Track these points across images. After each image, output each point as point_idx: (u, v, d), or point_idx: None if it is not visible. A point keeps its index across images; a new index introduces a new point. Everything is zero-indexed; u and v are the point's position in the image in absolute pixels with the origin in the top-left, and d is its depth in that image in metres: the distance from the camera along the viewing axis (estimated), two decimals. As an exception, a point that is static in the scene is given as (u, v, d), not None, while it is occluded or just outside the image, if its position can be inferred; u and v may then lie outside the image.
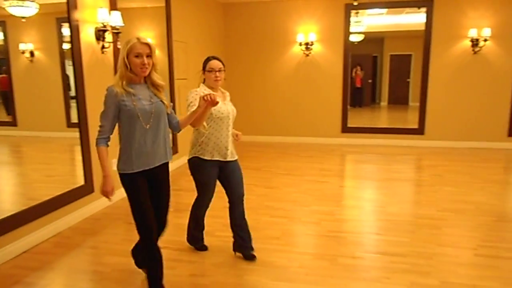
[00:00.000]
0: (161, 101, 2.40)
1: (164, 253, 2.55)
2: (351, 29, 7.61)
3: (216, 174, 3.00)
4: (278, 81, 7.97)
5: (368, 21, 10.23)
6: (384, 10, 9.65)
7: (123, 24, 4.31)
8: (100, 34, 4.15)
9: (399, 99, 13.21)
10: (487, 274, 2.92)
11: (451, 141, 7.38)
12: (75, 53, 3.89)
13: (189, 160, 3.00)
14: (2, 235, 3.14)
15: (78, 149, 4.08)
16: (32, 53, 3.79)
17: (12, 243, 3.23)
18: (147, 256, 2.49)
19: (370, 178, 5.69)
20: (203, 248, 3.30)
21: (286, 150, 7.32)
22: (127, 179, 2.39)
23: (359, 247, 3.41)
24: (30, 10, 3.57)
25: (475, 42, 6.97)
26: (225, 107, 2.92)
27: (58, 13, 3.93)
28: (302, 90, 7.86)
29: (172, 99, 5.91)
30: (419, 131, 7.55)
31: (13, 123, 3.85)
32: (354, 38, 9.09)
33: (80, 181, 4.09)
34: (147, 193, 2.43)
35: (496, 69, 7.03)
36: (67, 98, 4.11)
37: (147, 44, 2.28)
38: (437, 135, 7.46)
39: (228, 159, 2.97)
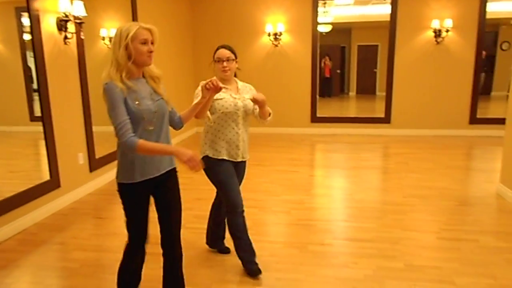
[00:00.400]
0: (162, 98, 2.14)
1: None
2: (319, 20, 7.67)
3: (233, 169, 2.73)
4: (247, 72, 7.85)
5: (336, 12, 10.36)
6: (351, 1, 9.82)
7: (86, 14, 4.19)
8: (62, 24, 4.02)
9: (366, 89, 13.46)
10: (448, 256, 3.05)
11: (416, 129, 7.61)
12: (36, 44, 3.76)
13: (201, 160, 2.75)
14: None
15: (42, 143, 3.96)
16: (-10, 44, 3.65)
17: (-26, 241, 3.13)
18: (123, 264, 2.27)
19: (339, 167, 5.80)
20: (225, 250, 3.12)
21: (255, 140, 7.31)
22: (127, 190, 2.09)
23: (328, 234, 3.49)
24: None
25: (437, 33, 7.18)
26: (233, 101, 2.63)
27: (17, 2, 3.77)
28: (272, 81, 7.88)
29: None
30: (386, 120, 7.74)
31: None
32: (322, 28, 9.20)
33: (46, 176, 3.99)
34: (148, 207, 2.17)
35: (457, 59, 7.27)
36: (29, 91, 3.98)
37: (149, 30, 2.02)
38: (403, 124, 7.67)
39: (239, 159, 2.73)
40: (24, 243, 3.36)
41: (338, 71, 13.84)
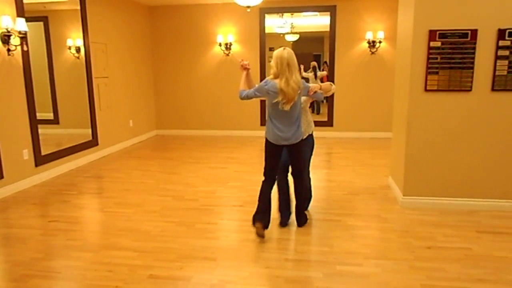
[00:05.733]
0: None
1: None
2: (285, 30, 8.43)
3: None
4: (202, 79, 8.64)
5: (309, 22, 11.02)
6: (316, 13, 10.49)
7: (27, 29, 4.86)
8: (5, 38, 4.68)
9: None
10: (301, 231, 3.67)
11: (356, 132, 8.28)
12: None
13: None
14: None
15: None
16: None
17: None
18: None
19: (267, 164, 6.40)
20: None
21: (208, 142, 8.00)
22: None
23: (218, 215, 4.13)
24: None
25: (371, 44, 7.85)
26: None
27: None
28: (223, 87, 8.56)
29: (91, 96, 6.48)
30: (329, 123, 8.41)
31: None
32: (290, 37, 9.91)
33: (-11, 168, 4.63)
34: None
35: (390, 67, 7.92)
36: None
37: None
38: (344, 127, 8.34)
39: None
40: (-39, 223, 4.01)
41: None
